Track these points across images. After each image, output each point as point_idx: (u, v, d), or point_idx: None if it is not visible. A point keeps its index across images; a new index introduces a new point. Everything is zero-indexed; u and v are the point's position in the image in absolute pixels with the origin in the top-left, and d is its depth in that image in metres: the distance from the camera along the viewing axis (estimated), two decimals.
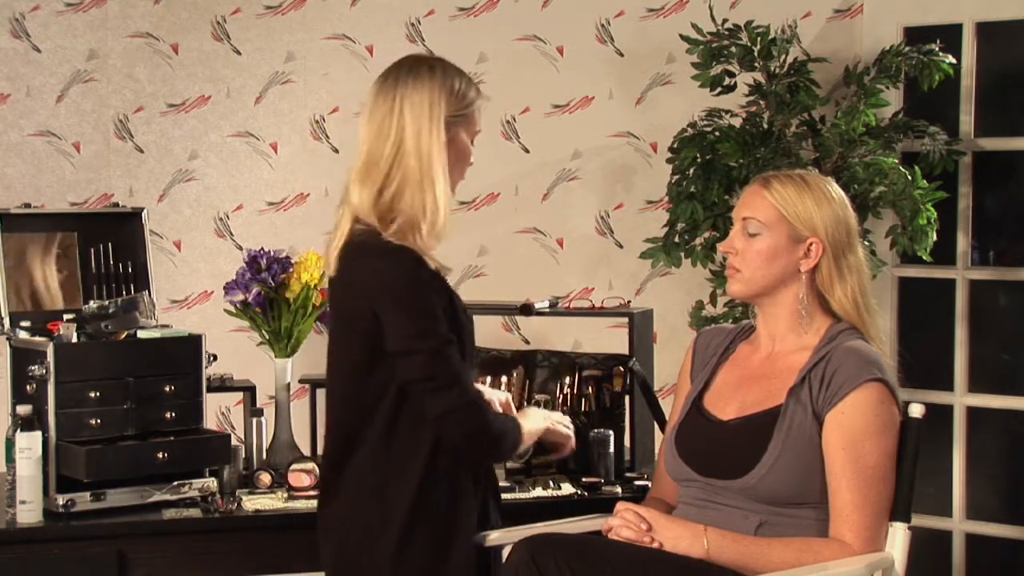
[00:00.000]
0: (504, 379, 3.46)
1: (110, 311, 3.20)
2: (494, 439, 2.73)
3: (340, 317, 2.76)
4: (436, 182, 2.69)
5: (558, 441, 3.01)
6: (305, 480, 3.22)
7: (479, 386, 2.85)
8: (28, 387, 3.09)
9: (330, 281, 2.79)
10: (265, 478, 3.28)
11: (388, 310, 2.64)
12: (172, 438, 3.14)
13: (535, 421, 2.91)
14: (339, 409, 2.77)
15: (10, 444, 3.07)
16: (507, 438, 2.76)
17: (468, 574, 2.69)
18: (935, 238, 4.01)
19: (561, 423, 3.00)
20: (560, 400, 3.44)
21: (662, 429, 3.07)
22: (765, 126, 4.11)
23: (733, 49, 4.09)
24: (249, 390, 3.55)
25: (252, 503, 3.15)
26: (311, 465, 3.24)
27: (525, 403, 3.32)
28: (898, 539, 2.58)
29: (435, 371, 2.64)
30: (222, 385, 3.52)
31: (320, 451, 2.88)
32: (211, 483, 3.16)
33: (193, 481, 3.14)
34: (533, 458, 3.33)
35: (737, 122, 4.16)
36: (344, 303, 2.74)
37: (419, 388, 2.65)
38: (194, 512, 3.09)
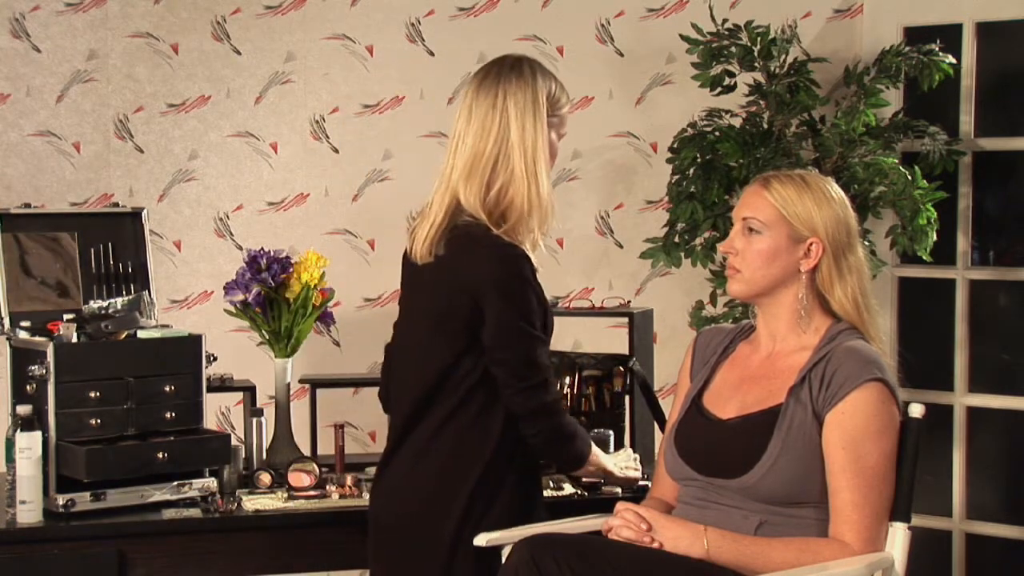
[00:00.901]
0: None
1: (110, 311, 3.20)
2: (567, 439, 2.84)
3: (435, 302, 2.81)
4: (541, 178, 2.81)
5: (624, 481, 3.16)
6: (305, 480, 3.22)
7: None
8: (28, 387, 3.09)
9: (421, 262, 2.84)
10: (265, 478, 3.28)
11: (493, 304, 2.74)
12: (172, 438, 3.14)
13: (605, 460, 3.03)
14: (411, 386, 2.84)
15: (10, 444, 3.07)
16: (576, 444, 2.87)
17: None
18: (935, 238, 4.01)
19: (628, 469, 3.14)
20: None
21: (662, 429, 3.07)
22: (765, 126, 4.11)
23: (733, 49, 4.09)
24: (249, 390, 3.55)
25: (252, 503, 3.15)
26: (311, 465, 3.24)
27: None
28: (898, 539, 2.58)
29: (529, 370, 2.75)
30: (222, 385, 3.52)
31: (391, 417, 2.96)
32: (211, 483, 3.16)
33: (193, 481, 3.14)
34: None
35: (737, 122, 4.16)
36: (444, 287, 2.79)
37: (511, 383, 2.75)
38: (194, 512, 3.09)
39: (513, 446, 2.79)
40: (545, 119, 2.83)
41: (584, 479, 3.18)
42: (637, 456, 3.24)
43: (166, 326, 3.26)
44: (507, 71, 2.84)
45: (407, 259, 2.92)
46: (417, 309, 2.88)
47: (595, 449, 2.95)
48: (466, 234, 2.78)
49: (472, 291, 2.74)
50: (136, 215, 3.46)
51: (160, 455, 3.09)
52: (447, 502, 2.75)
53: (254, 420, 3.46)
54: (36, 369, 3.05)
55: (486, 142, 2.79)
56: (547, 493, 3.21)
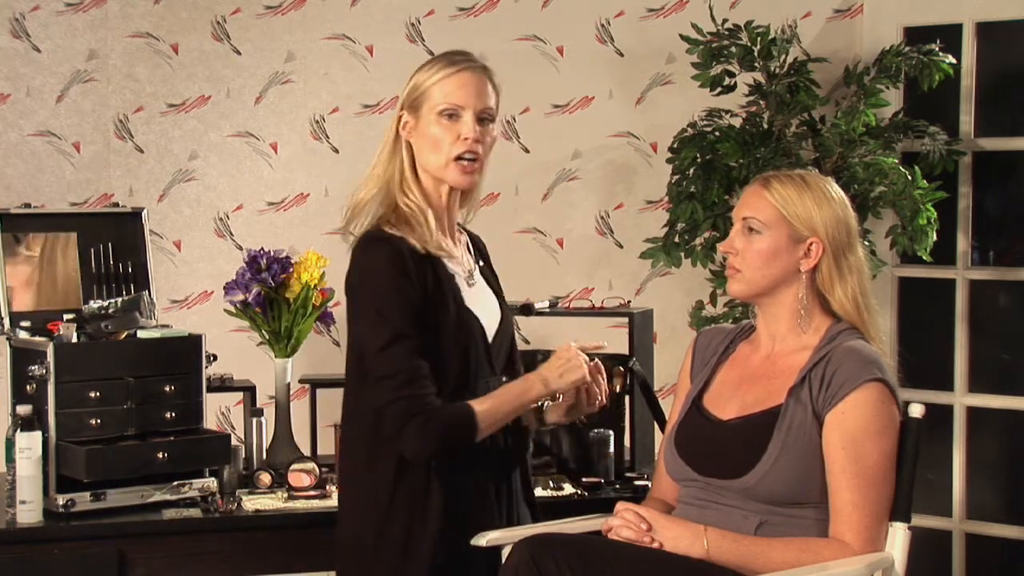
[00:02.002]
0: (504, 379, 3.45)
1: (110, 311, 3.20)
2: (417, 439, 2.63)
3: None
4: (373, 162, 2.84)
5: (581, 400, 2.89)
6: (305, 480, 3.22)
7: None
8: (28, 387, 3.09)
9: None
10: (265, 478, 3.28)
11: (348, 304, 2.71)
12: (172, 438, 3.14)
13: (517, 396, 2.74)
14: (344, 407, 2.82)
15: (10, 444, 3.07)
16: (447, 440, 2.65)
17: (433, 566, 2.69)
18: (935, 238, 4.01)
19: (565, 371, 2.78)
20: (560, 400, 3.44)
21: (662, 429, 3.07)
22: (765, 126, 4.11)
23: (733, 49, 4.09)
24: (249, 390, 3.55)
25: (252, 503, 3.15)
26: (311, 465, 3.24)
27: None
28: (898, 539, 2.58)
29: (371, 366, 2.66)
30: (222, 385, 3.52)
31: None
32: (211, 483, 3.16)
33: (193, 481, 3.14)
34: (533, 458, 3.33)
35: (737, 122, 4.16)
36: None
37: (369, 381, 2.68)
38: (194, 512, 3.09)
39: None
40: (398, 118, 2.80)
41: (550, 422, 3.00)
42: (574, 345, 2.83)
43: (166, 326, 3.26)
44: None
45: None
46: None
47: (488, 409, 2.68)
48: None
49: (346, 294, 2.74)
50: (136, 215, 3.46)
51: (160, 455, 3.09)
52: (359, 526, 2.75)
53: (254, 420, 3.46)
54: (36, 369, 3.05)
55: None
56: (547, 493, 3.21)
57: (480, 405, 2.68)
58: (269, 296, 3.45)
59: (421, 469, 2.68)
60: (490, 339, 2.80)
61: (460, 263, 2.81)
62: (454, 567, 2.70)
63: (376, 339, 2.64)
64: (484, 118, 2.75)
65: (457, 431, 2.65)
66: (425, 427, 2.62)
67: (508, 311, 2.91)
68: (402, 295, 2.65)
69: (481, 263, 2.92)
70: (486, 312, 2.81)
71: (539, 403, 2.88)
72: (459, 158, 2.73)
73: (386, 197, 2.78)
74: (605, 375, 2.89)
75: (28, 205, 3.43)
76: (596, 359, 2.86)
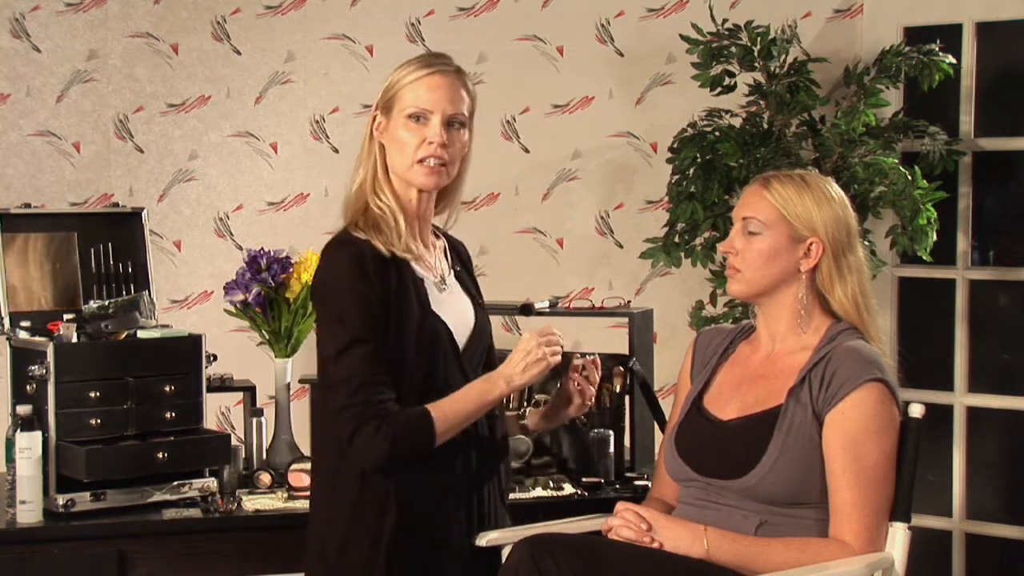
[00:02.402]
0: None
1: (110, 311, 3.20)
2: (372, 445, 2.57)
3: None
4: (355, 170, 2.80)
5: (560, 406, 2.85)
6: (305, 480, 3.21)
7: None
8: (28, 387, 3.09)
9: None
10: (265, 478, 3.28)
11: (314, 309, 2.71)
12: (172, 438, 3.14)
13: (478, 396, 2.65)
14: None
15: (10, 444, 3.07)
16: (405, 446, 2.58)
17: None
18: (935, 238, 4.01)
19: (529, 364, 2.67)
20: (543, 405, 3.43)
21: (662, 429, 3.07)
22: (765, 126, 4.11)
23: (733, 49, 4.09)
24: (249, 390, 3.55)
25: (252, 503, 3.15)
26: (311, 465, 3.24)
27: (525, 403, 3.31)
28: (898, 539, 2.58)
29: (332, 371, 2.62)
30: (222, 385, 3.52)
31: None
32: (211, 483, 3.16)
33: (193, 481, 3.14)
34: (533, 458, 3.33)
35: (737, 122, 4.16)
36: None
37: (320, 388, 2.66)
38: (194, 512, 3.09)
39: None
40: (372, 118, 2.80)
41: (534, 429, 2.97)
42: (535, 335, 2.71)
43: (166, 326, 3.26)
44: None
45: None
46: None
47: (444, 413, 2.61)
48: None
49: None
50: (136, 215, 3.45)
51: (160, 455, 3.09)
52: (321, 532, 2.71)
53: (254, 420, 3.46)
54: (36, 369, 3.05)
55: None
56: (547, 493, 3.21)
57: (437, 409, 2.60)
58: (269, 296, 3.45)
59: (382, 476, 2.62)
60: (461, 344, 2.72)
61: (430, 267, 2.75)
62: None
63: (333, 344, 2.61)
64: (453, 123, 2.70)
65: (413, 436, 2.58)
66: (377, 433, 2.55)
67: (484, 317, 2.83)
68: (361, 299, 2.60)
69: (458, 268, 2.85)
70: (456, 317, 2.74)
71: (519, 411, 2.85)
72: (422, 160, 2.69)
73: (358, 199, 2.74)
74: (598, 370, 2.84)
75: (28, 205, 3.43)
76: (595, 356, 2.85)
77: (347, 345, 2.58)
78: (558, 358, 2.67)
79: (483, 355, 2.81)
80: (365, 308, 2.59)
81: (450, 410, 2.62)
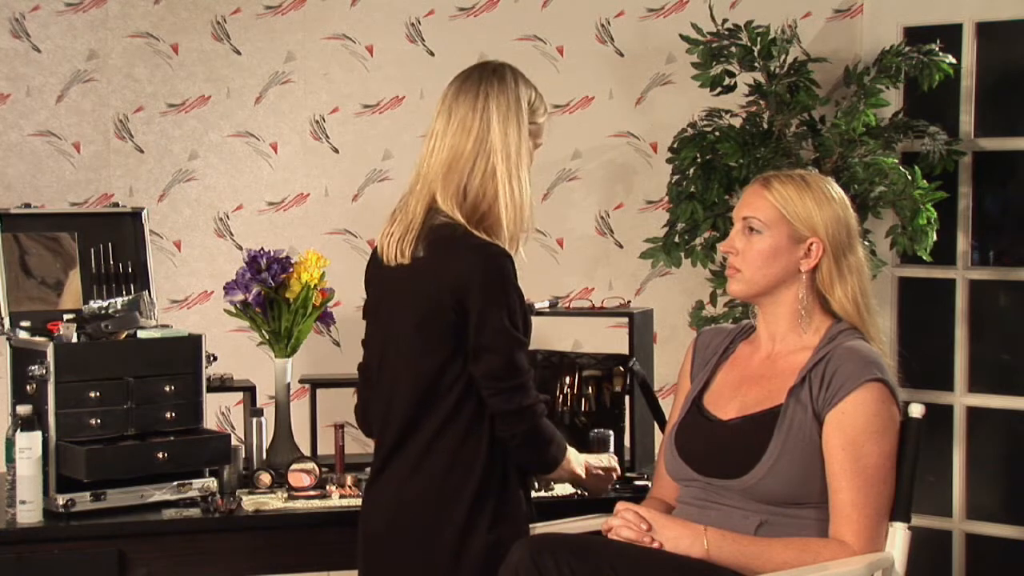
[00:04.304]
0: None
1: (110, 311, 3.20)
2: (544, 444, 2.81)
3: (416, 305, 2.76)
4: (523, 181, 2.79)
5: (596, 485, 3.09)
6: (305, 480, 3.22)
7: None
8: (28, 387, 3.09)
9: (395, 263, 2.78)
10: (265, 478, 3.28)
11: (479, 305, 2.69)
12: (172, 438, 3.14)
13: (575, 464, 2.95)
14: (402, 394, 2.78)
15: (10, 444, 3.07)
16: (551, 449, 2.84)
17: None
18: (935, 238, 4.01)
19: (598, 471, 3.06)
20: (560, 400, 3.44)
21: (662, 429, 3.07)
22: (765, 126, 4.11)
23: (733, 49, 4.09)
24: (249, 390, 3.55)
25: (252, 503, 3.15)
26: (311, 465, 3.24)
27: None
28: (898, 539, 2.58)
29: (510, 371, 2.72)
30: (222, 385, 3.52)
31: (376, 433, 2.89)
32: (211, 483, 3.16)
33: (193, 481, 3.14)
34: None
35: (737, 122, 4.16)
36: (426, 289, 2.74)
37: (492, 385, 2.71)
38: (194, 512, 3.09)
39: (502, 455, 2.77)
40: (526, 124, 2.81)
41: (555, 482, 3.17)
42: (614, 457, 3.17)
43: (166, 326, 3.26)
44: (489, 75, 2.82)
45: (377, 264, 2.85)
46: (394, 317, 2.80)
47: (570, 453, 2.91)
48: (448, 235, 2.73)
49: (457, 292, 2.69)
50: (136, 215, 3.46)
51: (160, 455, 3.09)
52: (445, 516, 2.72)
53: (254, 420, 3.46)
54: (36, 369, 3.05)
55: (466, 142, 2.75)
56: (547, 493, 3.21)
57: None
58: (269, 296, 3.45)
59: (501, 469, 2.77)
60: None
61: None
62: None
63: (519, 340, 2.75)
64: None
65: (553, 442, 2.85)
66: (554, 430, 2.83)
67: None
68: (525, 308, 2.78)
69: None
70: None
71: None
72: None
73: (497, 207, 2.84)
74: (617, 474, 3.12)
75: (28, 205, 3.43)
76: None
77: (523, 345, 2.76)
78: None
79: None
80: (526, 316, 2.79)
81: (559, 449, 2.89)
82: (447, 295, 2.70)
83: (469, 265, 2.70)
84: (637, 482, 3.29)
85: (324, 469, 3.28)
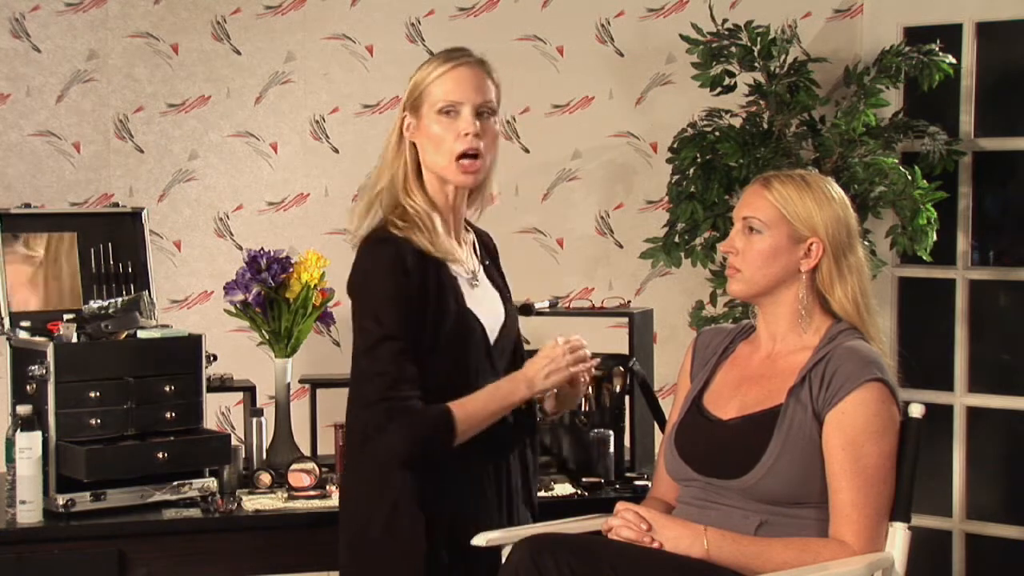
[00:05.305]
0: None
1: (110, 311, 3.20)
2: (392, 442, 2.62)
3: None
4: (388, 151, 2.79)
5: (566, 392, 2.85)
6: (305, 480, 3.22)
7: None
8: (28, 387, 3.09)
9: None
10: (265, 478, 3.28)
11: (351, 304, 2.70)
12: (172, 438, 3.14)
13: (502, 398, 2.70)
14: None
15: (10, 444, 3.07)
16: (438, 440, 2.63)
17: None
18: (935, 238, 4.01)
19: (550, 374, 2.74)
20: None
21: (662, 429, 3.07)
22: (765, 126, 4.11)
23: (733, 49, 4.09)
24: (249, 390, 3.55)
25: (252, 503, 3.15)
26: (311, 465, 3.24)
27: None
28: (898, 539, 2.58)
29: (362, 365, 2.66)
30: (222, 385, 3.52)
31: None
32: (211, 483, 3.16)
33: (193, 481, 3.14)
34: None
35: (737, 122, 4.16)
36: None
37: (351, 379, 2.70)
38: (194, 512, 3.09)
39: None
40: (400, 119, 2.77)
41: (550, 414, 2.96)
42: (560, 342, 2.79)
43: (166, 326, 3.26)
44: None
45: None
46: None
47: (467, 414, 2.64)
48: None
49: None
50: (136, 215, 3.46)
51: (160, 455, 3.09)
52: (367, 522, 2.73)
53: (254, 420, 3.46)
54: (36, 369, 3.05)
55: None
56: (547, 493, 3.21)
57: (460, 408, 2.64)
58: (269, 296, 3.45)
59: (401, 470, 2.66)
60: (492, 340, 2.78)
61: (464, 264, 2.79)
62: (453, 565, 2.69)
63: (365, 339, 2.65)
64: (483, 112, 2.73)
65: (433, 434, 2.62)
66: (399, 430, 2.60)
67: (513, 310, 2.89)
68: (397, 297, 2.63)
69: (487, 262, 2.90)
70: (489, 312, 2.79)
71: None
72: (461, 156, 2.71)
73: (391, 198, 2.76)
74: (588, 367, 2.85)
75: (28, 205, 3.43)
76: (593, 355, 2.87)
77: (378, 341, 2.63)
78: (581, 367, 2.71)
79: (512, 347, 2.87)
80: (399, 306, 2.63)
81: (472, 409, 2.66)
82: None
83: (352, 267, 2.75)
84: (637, 482, 3.29)
85: (324, 469, 3.28)
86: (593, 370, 2.85)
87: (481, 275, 2.84)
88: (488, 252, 2.94)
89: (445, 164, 2.72)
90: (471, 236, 2.89)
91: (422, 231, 2.70)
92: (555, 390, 2.82)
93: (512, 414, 2.77)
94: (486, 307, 2.79)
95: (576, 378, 2.80)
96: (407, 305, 2.64)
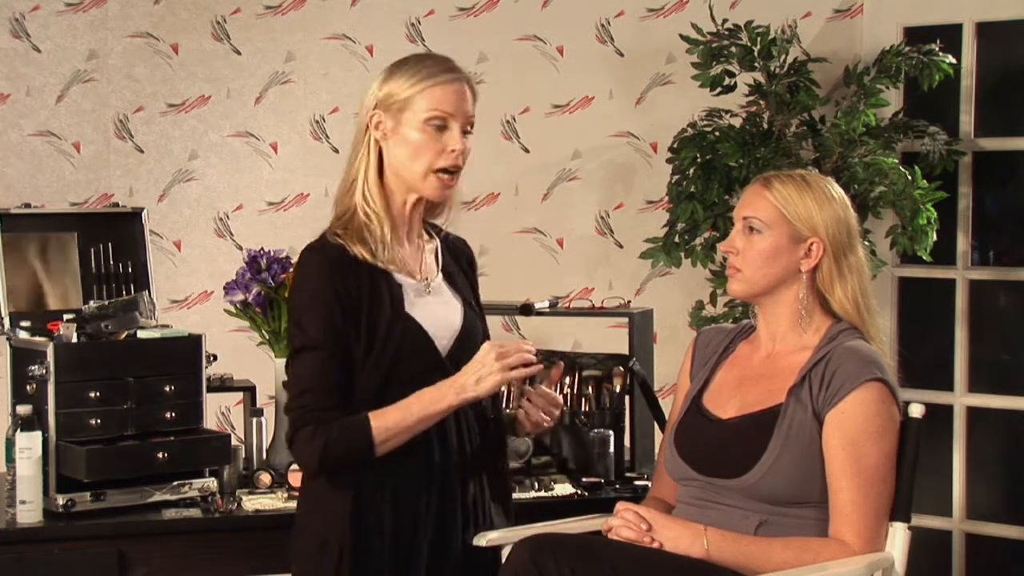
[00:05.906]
0: None
1: (110, 311, 3.20)
2: (301, 451, 2.62)
3: None
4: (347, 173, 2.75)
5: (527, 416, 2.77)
6: None
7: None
8: (28, 387, 3.09)
9: None
10: (265, 478, 3.28)
11: None
12: (172, 438, 3.14)
13: (426, 405, 2.60)
14: None
15: (10, 444, 3.07)
16: (318, 450, 2.58)
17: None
18: (935, 238, 4.02)
19: (482, 378, 2.60)
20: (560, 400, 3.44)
21: (662, 429, 3.07)
22: (765, 126, 4.11)
23: (733, 49, 4.10)
24: (249, 390, 3.56)
25: (252, 503, 3.15)
26: None
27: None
28: (898, 539, 2.58)
29: (289, 373, 2.68)
30: (222, 385, 3.52)
31: None
32: (211, 483, 3.16)
33: (193, 481, 3.14)
34: (533, 458, 3.33)
35: (737, 122, 4.16)
36: None
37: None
38: (194, 512, 3.09)
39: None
40: (364, 125, 2.69)
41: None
42: (496, 346, 2.64)
43: (166, 326, 3.26)
44: None
45: None
46: None
47: (386, 424, 2.58)
48: None
49: None
50: (136, 215, 3.45)
51: (160, 455, 3.08)
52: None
53: (254, 420, 3.46)
54: (36, 369, 3.05)
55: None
56: (547, 493, 3.21)
57: (379, 418, 2.58)
58: (269, 296, 3.45)
59: (331, 478, 2.63)
60: (443, 348, 2.68)
61: (413, 271, 2.71)
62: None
63: (291, 348, 2.66)
64: (467, 130, 2.69)
65: (348, 444, 2.58)
66: (312, 439, 2.57)
67: (475, 318, 2.79)
68: (319, 306, 2.59)
69: (451, 269, 2.80)
70: (438, 320, 2.70)
71: (511, 412, 2.82)
72: (441, 171, 2.65)
73: (345, 200, 2.72)
74: (556, 382, 2.80)
75: (28, 205, 3.43)
76: (559, 361, 2.81)
77: (299, 350, 2.63)
78: (518, 372, 2.61)
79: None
80: (322, 314, 2.59)
81: (392, 420, 2.59)
82: None
83: None
84: (637, 482, 3.29)
85: None
86: (543, 415, 2.75)
87: (438, 283, 2.75)
88: (456, 260, 2.84)
89: (420, 174, 2.66)
90: (434, 243, 2.80)
91: (364, 240, 2.65)
92: (519, 408, 2.77)
93: (479, 433, 2.72)
94: (436, 315, 2.70)
95: (529, 411, 2.74)
96: (332, 313, 2.59)
